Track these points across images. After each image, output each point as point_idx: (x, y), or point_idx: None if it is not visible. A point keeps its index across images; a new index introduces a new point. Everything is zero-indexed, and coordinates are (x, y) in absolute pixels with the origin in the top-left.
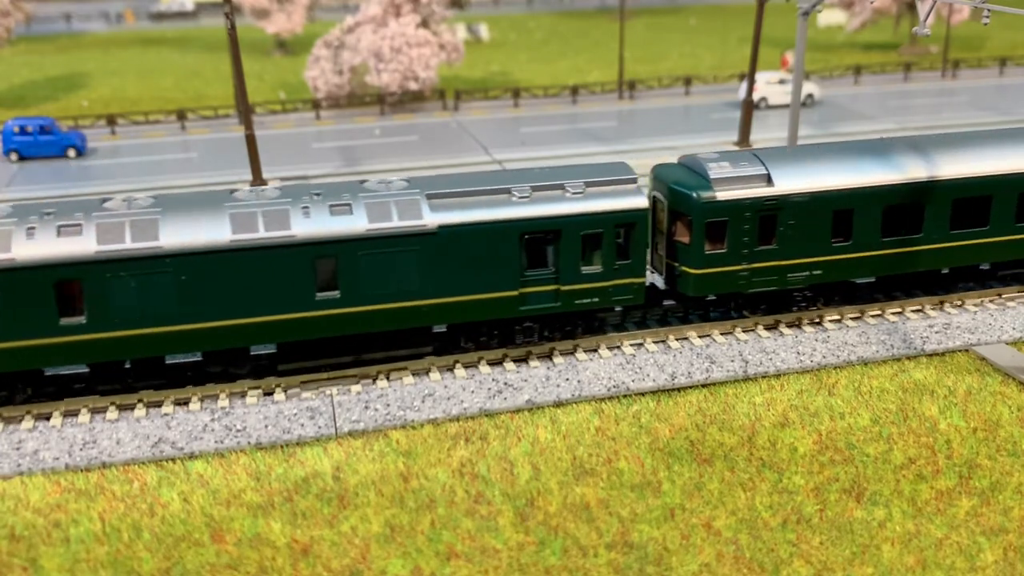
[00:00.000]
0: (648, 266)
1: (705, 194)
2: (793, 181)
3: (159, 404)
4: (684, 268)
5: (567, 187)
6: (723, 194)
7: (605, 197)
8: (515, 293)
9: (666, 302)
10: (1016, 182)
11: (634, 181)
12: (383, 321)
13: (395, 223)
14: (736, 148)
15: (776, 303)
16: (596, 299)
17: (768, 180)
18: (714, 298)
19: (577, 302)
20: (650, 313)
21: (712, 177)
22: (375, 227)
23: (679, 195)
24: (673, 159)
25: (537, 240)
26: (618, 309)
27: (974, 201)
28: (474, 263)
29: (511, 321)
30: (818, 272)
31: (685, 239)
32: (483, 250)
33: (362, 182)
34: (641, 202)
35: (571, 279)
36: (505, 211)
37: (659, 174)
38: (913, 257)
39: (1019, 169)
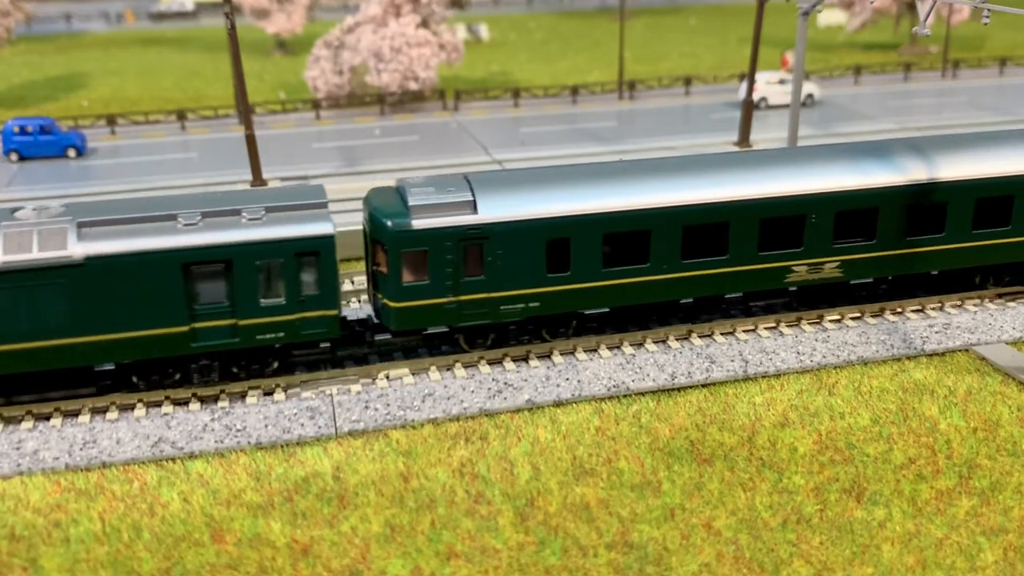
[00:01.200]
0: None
1: (400, 222)
2: (500, 209)
3: (159, 404)
4: (385, 300)
5: (244, 213)
6: (421, 222)
7: (286, 223)
8: (184, 329)
9: (379, 336)
10: (755, 207)
11: (324, 206)
12: (27, 361)
13: (33, 255)
14: (737, 148)
15: (501, 336)
16: (282, 333)
17: (473, 207)
18: (431, 331)
19: (259, 337)
20: (355, 351)
21: (411, 204)
22: (10, 259)
23: (376, 223)
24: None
25: (207, 271)
26: (325, 344)
27: (708, 228)
28: (133, 296)
29: (187, 359)
30: (535, 304)
31: (384, 269)
32: (142, 282)
33: (14, 210)
34: (326, 228)
35: (250, 312)
36: (165, 240)
37: (367, 199)
38: (642, 288)
39: (757, 195)
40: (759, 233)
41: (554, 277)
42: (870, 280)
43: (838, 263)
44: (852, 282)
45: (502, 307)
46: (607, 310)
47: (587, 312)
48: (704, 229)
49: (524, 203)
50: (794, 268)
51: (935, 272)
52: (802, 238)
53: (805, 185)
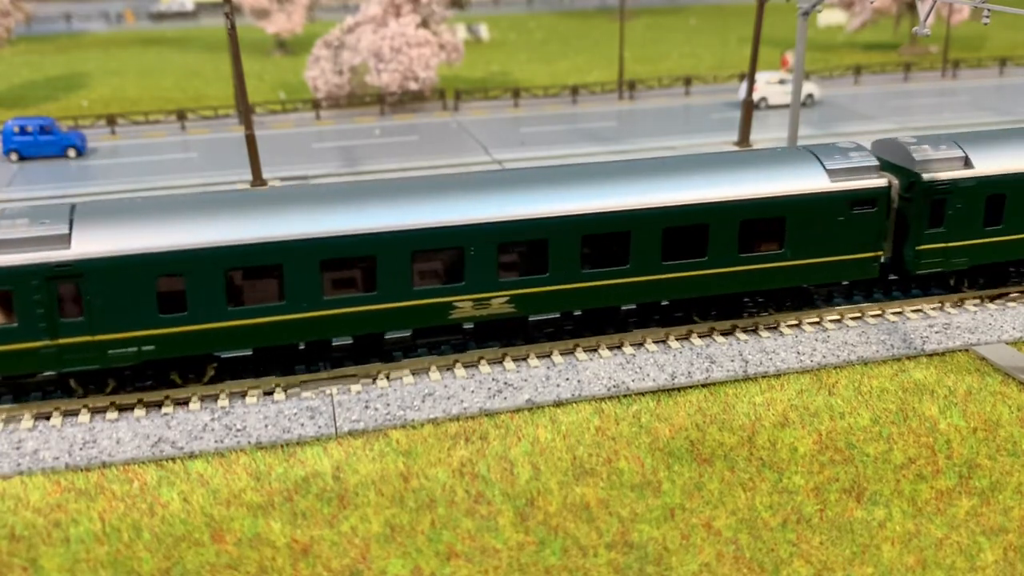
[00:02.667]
0: None
1: None
2: (100, 242)
3: (159, 404)
4: None
5: None
6: (5, 258)
7: None
8: None
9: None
10: (407, 239)
11: None
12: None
13: None
14: (736, 148)
15: (123, 380)
16: None
17: (67, 241)
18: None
19: None
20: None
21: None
22: None
23: None
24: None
25: None
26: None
27: (349, 262)
28: None
29: None
30: (149, 348)
31: None
32: None
33: None
34: None
35: None
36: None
37: None
38: (277, 328)
39: (408, 226)
40: (411, 267)
41: (169, 318)
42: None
43: (507, 298)
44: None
45: (111, 351)
46: (250, 352)
47: (222, 355)
48: (346, 263)
49: (130, 235)
50: (457, 304)
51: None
52: (463, 273)
53: (464, 215)
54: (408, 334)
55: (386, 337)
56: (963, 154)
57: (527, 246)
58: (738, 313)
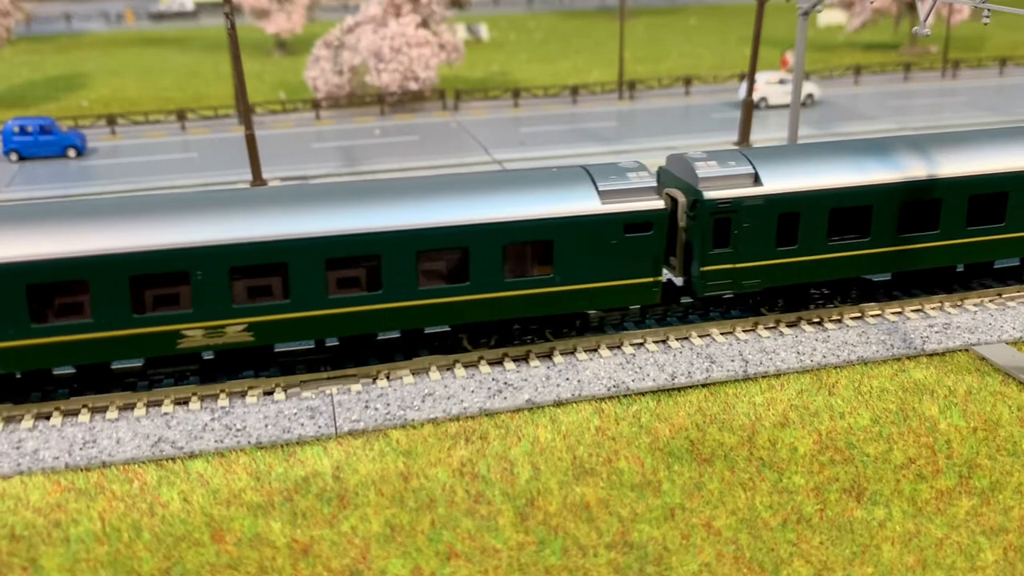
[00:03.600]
0: None
1: None
2: None
3: (159, 403)
4: None
5: None
6: None
7: None
8: None
9: None
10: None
11: None
12: None
13: None
14: (734, 148)
15: None
16: None
17: None
18: None
19: None
20: None
21: None
22: None
23: None
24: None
25: None
26: None
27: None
28: None
29: None
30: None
31: None
32: None
33: None
34: None
35: None
36: None
37: None
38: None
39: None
40: (131, 294)
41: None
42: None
43: (244, 326)
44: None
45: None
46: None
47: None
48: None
49: None
50: (185, 333)
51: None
52: (190, 298)
53: (190, 236)
54: (139, 364)
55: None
56: (752, 171)
57: (264, 270)
58: (509, 340)
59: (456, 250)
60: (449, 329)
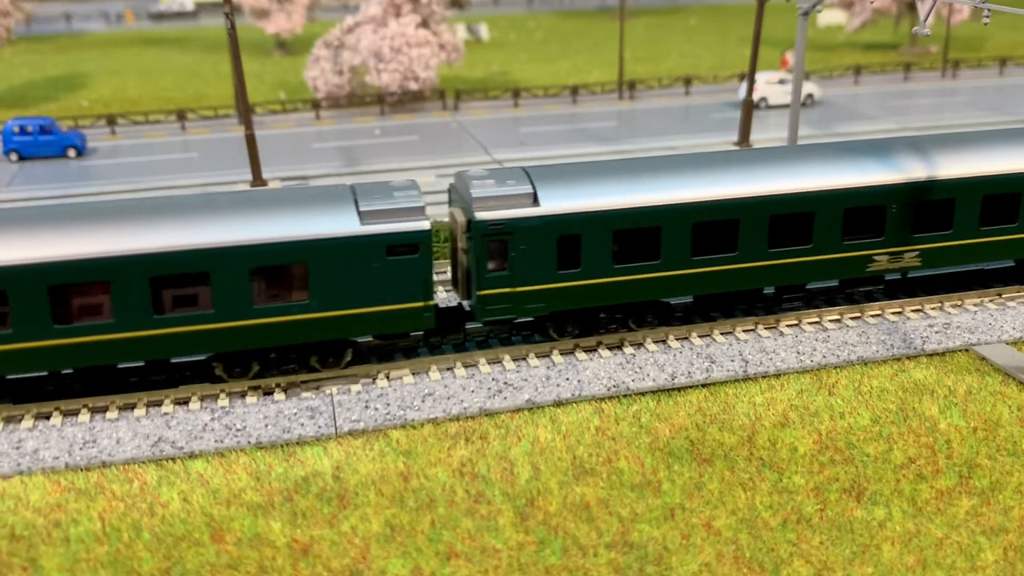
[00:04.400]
0: None
1: None
2: None
3: (159, 403)
4: None
5: None
6: None
7: None
8: None
9: None
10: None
11: None
12: None
13: None
14: (735, 148)
15: None
16: None
17: None
18: None
19: None
20: None
21: None
22: None
23: None
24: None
25: None
26: None
27: None
28: None
29: None
30: None
31: None
32: None
33: None
34: None
35: None
36: None
37: None
38: None
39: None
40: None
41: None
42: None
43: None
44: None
45: None
46: None
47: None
48: None
49: None
50: None
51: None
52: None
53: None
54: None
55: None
56: (531, 190)
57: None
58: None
59: (197, 275)
60: (203, 359)
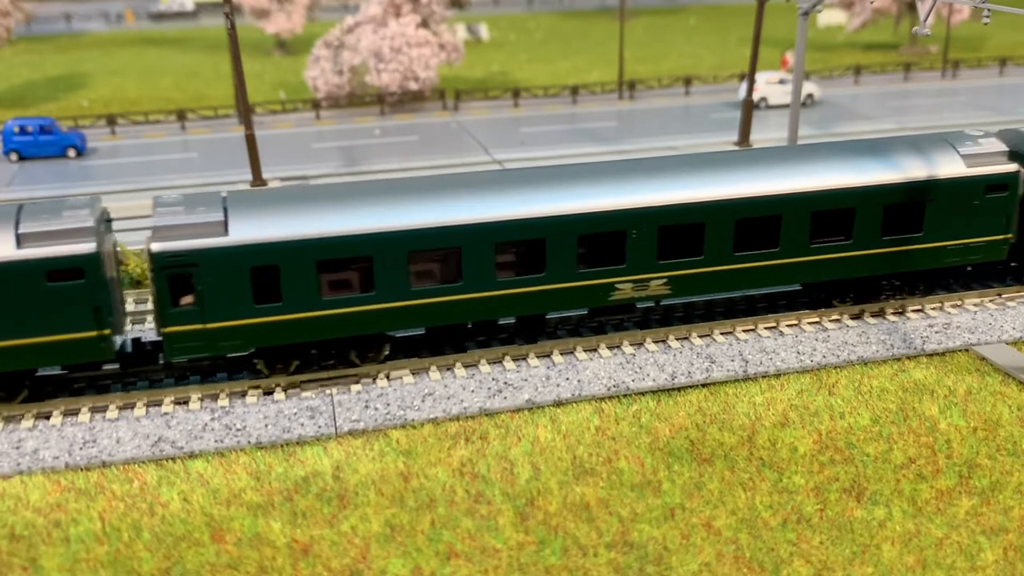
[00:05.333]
0: None
1: None
2: None
3: (159, 403)
4: None
5: None
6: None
7: None
8: None
9: None
10: None
11: None
12: None
13: None
14: (735, 148)
15: None
16: None
17: None
18: None
19: None
20: None
21: None
22: None
23: None
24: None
25: None
26: None
27: None
28: None
29: None
30: None
31: None
32: None
33: None
34: None
35: None
36: None
37: None
38: None
39: None
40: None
41: None
42: None
43: None
44: None
45: None
46: None
47: None
48: None
49: None
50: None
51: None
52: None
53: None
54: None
55: None
56: (221, 218)
57: None
58: None
59: None
60: None
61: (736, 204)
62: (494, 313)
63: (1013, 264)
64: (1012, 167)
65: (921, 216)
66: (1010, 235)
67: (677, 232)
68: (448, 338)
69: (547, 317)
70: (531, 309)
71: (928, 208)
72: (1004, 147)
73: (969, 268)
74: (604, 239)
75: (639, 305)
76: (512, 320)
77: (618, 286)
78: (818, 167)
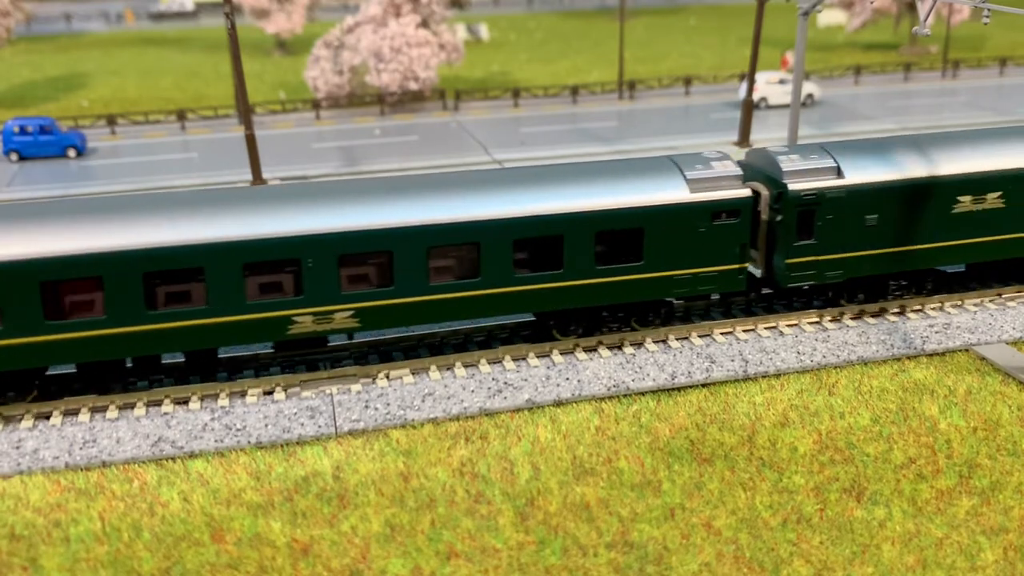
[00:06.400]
0: None
1: None
2: None
3: (159, 403)
4: None
5: None
6: None
7: None
8: None
9: None
10: None
11: None
12: None
13: None
14: (735, 147)
15: None
16: None
17: None
18: None
19: None
20: None
21: None
22: None
23: None
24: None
25: None
26: None
27: None
28: None
29: None
30: None
31: None
32: None
33: None
34: None
35: None
36: None
37: None
38: None
39: None
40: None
41: None
42: None
43: None
44: None
45: None
46: None
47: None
48: None
49: None
50: None
51: None
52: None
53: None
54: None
55: None
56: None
57: None
58: None
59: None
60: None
61: (428, 230)
62: (154, 348)
63: (769, 291)
64: (744, 192)
65: (640, 244)
66: (745, 264)
67: (364, 261)
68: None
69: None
70: (196, 344)
71: (647, 236)
72: (737, 171)
73: (715, 296)
74: (276, 268)
75: (332, 341)
76: (181, 356)
77: (296, 319)
78: (519, 192)
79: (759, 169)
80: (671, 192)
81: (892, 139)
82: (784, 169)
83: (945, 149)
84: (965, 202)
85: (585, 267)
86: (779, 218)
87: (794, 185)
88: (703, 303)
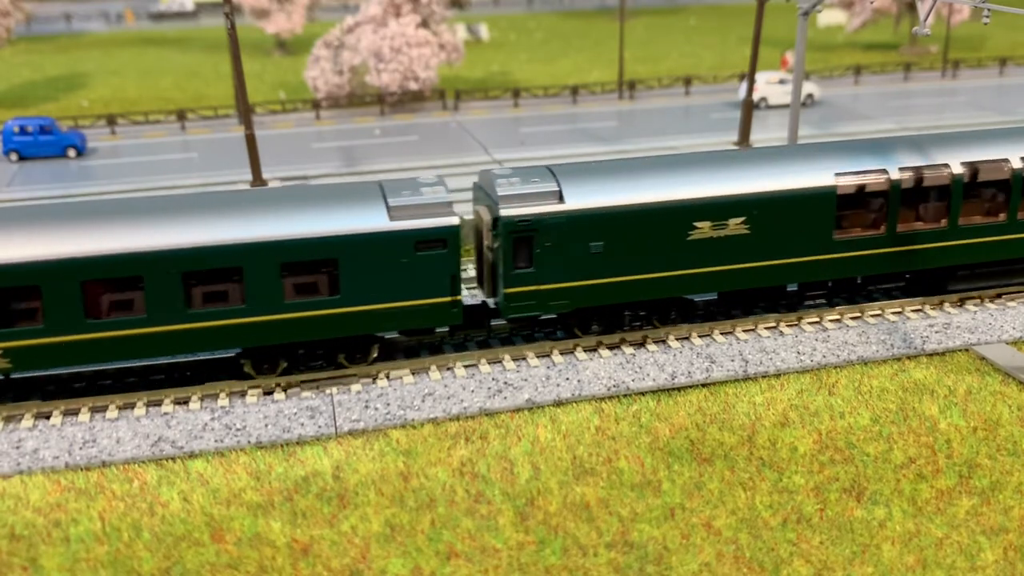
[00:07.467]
0: None
1: None
2: None
3: (159, 403)
4: None
5: None
6: None
7: None
8: None
9: None
10: None
11: None
12: None
13: None
14: (735, 148)
15: None
16: None
17: None
18: None
19: None
20: None
21: None
22: None
23: None
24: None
25: None
26: None
27: None
28: None
29: None
30: None
31: None
32: None
33: None
34: None
35: None
36: None
37: None
38: None
39: None
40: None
41: None
42: None
43: None
44: None
45: None
46: None
47: None
48: None
49: None
50: None
51: None
52: None
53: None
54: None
55: None
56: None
57: None
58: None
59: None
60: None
61: (82, 263)
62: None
63: (504, 320)
64: (450, 220)
65: (336, 276)
66: (459, 296)
67: (11, 296)
68: None
69: None
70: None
71: (343, 267)
72: (447, 197)
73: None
74: None
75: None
76: None
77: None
78: (187, 220)
79: (486, 192)
80: (368, 220)
81: (629, 161)
82: (500, 194)
83: (682, 172)
84: (704, 228)
85: (272, 301)
86: (496, 244)
87: (508, 211)
88: (434, 336)
